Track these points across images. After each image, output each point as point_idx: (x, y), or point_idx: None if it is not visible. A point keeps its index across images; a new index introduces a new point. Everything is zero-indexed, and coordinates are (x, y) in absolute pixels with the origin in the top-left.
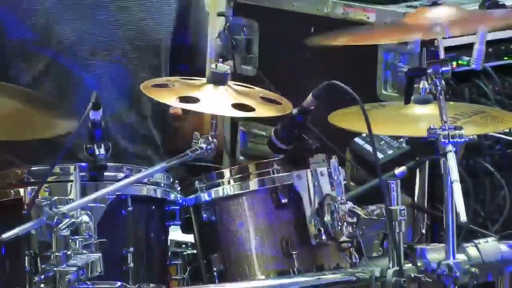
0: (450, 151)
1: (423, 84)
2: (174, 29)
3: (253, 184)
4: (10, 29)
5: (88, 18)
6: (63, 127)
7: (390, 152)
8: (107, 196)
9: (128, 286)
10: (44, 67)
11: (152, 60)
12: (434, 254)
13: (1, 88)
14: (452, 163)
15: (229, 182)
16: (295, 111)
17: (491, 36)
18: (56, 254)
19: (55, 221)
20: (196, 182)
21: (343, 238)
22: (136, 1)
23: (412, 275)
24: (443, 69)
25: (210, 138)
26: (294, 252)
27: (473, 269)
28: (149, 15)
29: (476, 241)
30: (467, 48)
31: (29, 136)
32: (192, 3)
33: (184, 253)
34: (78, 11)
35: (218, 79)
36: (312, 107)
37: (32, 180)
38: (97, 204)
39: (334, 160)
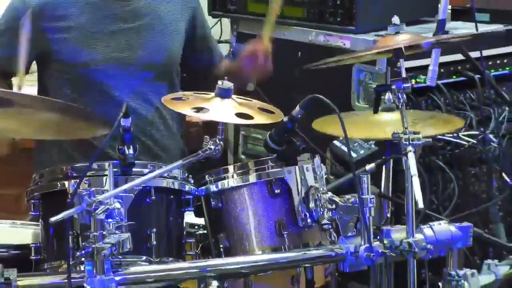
0: (410, 151)
1: (388, 97)
2: (184, 48)
3: (252, 177)
4: (53, 53)
5: (114, 41)
6: (95, 132)
7: (362, 152)
8: (134, 188)
9: (152, 259)
10: (80, 82)
11: (167, 74)
12: (397, 233)
13: (42, 101)
14: (411, 161)
15: (232, 176)
16: (285, 119)
17: (442, 59)
18: (94, 233)
19: (93, 207)
20: (206, 176)
21: (324, 221)
22: (152, 28)
23: (380, 251)
24: (405, 85)
25: (217, 141)
26: (285, 232)
27: (428, 246)
28: (164, 39)
29: (431, 223)
30: (423, 69)
31: (67, 137)
32: (198, 26)
33: (197, 233)
34: (106, 35)
35: (224, 94)
36: (299, 116)
37: (75, 174)
38: (127, 194)
39: (317, 159)
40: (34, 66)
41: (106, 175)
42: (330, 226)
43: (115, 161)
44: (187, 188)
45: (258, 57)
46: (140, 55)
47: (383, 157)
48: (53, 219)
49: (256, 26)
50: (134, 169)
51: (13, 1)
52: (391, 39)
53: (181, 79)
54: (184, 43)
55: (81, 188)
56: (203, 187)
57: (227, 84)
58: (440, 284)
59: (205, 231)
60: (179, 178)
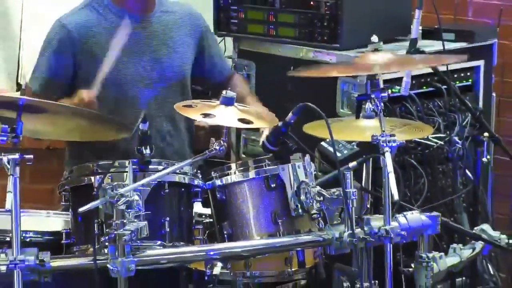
0: (387, 151)
1: (368, 105)
2: (194, 64)
3: (252, 174)
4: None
5: (134, 59)
6: (117, 135)
7: (345, 152)
8: (151, 182)
9: (165, 244)
10: (104, 93)
11: (180, 86)
12: (376, 222)
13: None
14: (388, 159)
15: (235, 173)
16: (280, 124)
17: (414, 72)
18: (116, 222)
19: (115, 199)
20: (212, 172)
21: (314, 211)
22: (166, 49)
23: (361, 236)
24: (382, 95)
25: (222, 142)
26: (279, 221)
27: (402, 232)
28: (175, 58)
29: (404, 213)
30: (398, 81)
31: (92, 139)
32: (206, 46)
33: (204, 221)
34: (128, 54)
35: (228, 102)
36: (292, 121)
37: (99, 171)
38: (144, 188)
39: (307, 158)
40: None
41: (127, 171)
42: (318, 216)
43: (134, 160)
44: (196, 182)
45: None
46: (156, 71)
47: (364, 156)
48: (81, 209)
49: (254, 44)
50: (150, 166)
51: (53, 27)
52: (371, 56)
53: (192, 89)
54: (193, 61)
55: (105, 182)
56: (210, 182)
57: (230, 93)
58: (412, 265)
59: (211, 220)
60: (189, 174)
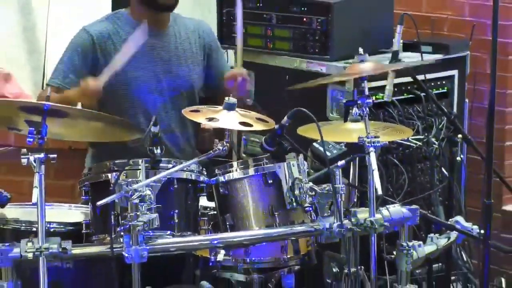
0: (371, 151)
1: (355, 110)
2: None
3: (251, 171)
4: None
5: (149, 68)
6: (131, 136)
7: (335, 151)
8: (161, 179)
9: (174, 233)
10: (120, 98)
11: (189, 95)
12: (362, 214)
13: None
14: (372, 158)
15: (236, 170)
16: (276, 126)
17: (396, 81)
18: (130, 214)
19: (129, 194)
20: (216, 169)
21: (306, 205)
22: (176, 60)
23: (348, 227)
24: (367, 101)
25: (224, 143)
26: (276, 213)
27: (385, 223)
28: (186, 66)
29: (387, 206)
30: (382, 88)
31: (108, 140)
32: (213, 58)
33: (209, 213)
34: (144, 62)
35: (230, 107)
36: (287, 124)
37: (115, 168)
38: (155, 183)
39: (301, 157)
40: None
41: (140, 169)
42: (310, 209)
43: (146, 158)
44: (201, 178)
45: (236, 79)
46: (167, 80)
47: (351, 156)
48: (99, 202)
49: (254, 56)
50: (161, 165)
51: (78, 33)
52: (357, 66)
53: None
54: (203, 71)
55: (120, 179)
56: (214, 178)
57: (232, 100)
58: (394, 252)
59: (215, 212)
60: (195, 171)
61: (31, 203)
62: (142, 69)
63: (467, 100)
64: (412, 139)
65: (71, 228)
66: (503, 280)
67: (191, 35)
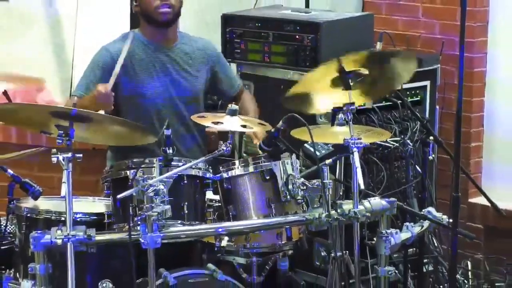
0: (355, 151)
1: (341, 115)
2: (208, 85)
3: (251, 168)
4: (123, 89)
5: (160, 80)
6: (146, 139)
7: (323, 151)
8: (173, 175)
9: (184, 223)
10: (136, 107)
11: (195, 103)
12: (347, 206)
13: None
14: (356, 157)
15: (238, 167)
16: (272, 129)
17: None
18: (146, 205)
19: (145, 188)
20: (220, 167)
21: (299, 198)
22: (183, 72)
23: (335, 217)
24: (351, 107)
25: (228, 144)
26: (272, 205)
27: (367, 214)
28: (191, 80)
29: (368, 198)
30: None
31: (127, 143)
32: (219, 71)
33: (214, 205)
34: (155, 75)
35: (232, 113)
36: (282, 128)
37: (133, 166)
38: (168, 179)
39: (294, 156)
40: None
41: (154, 166)
42: (302, 201)
43: (160, 157)
44: (208, 175)
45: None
46: (176, 90)
47: (337, 155)
48: (119, 196)
49: (253, 68)
50: (172, 163)
51: (100, 51)
52: None
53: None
54: (208, 81)
55: (137, 175)
56: (219, 175)
57: (235, 107)
58: (375, 238)
59: (220, 204)
60: (202, 169)
61: (60, 196)
62: (155, 81)
63: (437, 107)
64: (390, 140)
65: (94, 218)
66: (469, 263)
67: (198, 52)
